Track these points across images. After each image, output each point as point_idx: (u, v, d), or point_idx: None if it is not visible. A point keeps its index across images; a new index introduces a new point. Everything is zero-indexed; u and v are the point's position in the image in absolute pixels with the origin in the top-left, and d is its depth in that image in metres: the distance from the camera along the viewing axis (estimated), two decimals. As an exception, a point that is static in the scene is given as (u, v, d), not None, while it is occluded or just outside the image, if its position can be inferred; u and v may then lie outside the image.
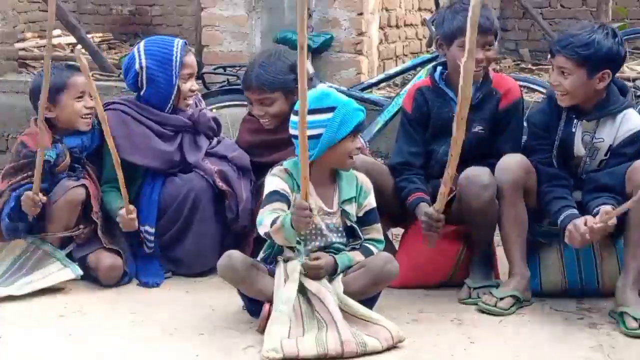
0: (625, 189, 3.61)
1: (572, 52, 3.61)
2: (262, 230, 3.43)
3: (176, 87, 4.17)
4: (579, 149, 3.77)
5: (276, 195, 3.47)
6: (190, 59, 4.23)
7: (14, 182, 4.05)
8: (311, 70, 4.25)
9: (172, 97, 4.19)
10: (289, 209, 3.43)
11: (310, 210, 3.30)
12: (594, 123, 3.73)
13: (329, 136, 3.45)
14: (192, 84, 4.24)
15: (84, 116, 4.15)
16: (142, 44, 4.24)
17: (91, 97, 4.14)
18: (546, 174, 3.76)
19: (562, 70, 3.65)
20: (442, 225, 3.64)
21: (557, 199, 3.69)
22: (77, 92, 4.14)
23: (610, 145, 3.73)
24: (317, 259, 3.43)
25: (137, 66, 4.16)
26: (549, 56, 3.73)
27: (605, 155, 3.75)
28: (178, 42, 4.21)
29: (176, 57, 4.15)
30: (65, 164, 4.07)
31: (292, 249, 3.50)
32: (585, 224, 3.48)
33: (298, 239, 3.43)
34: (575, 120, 3.75)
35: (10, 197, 3.99)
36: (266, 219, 3.40)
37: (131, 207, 4.01)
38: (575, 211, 3.63)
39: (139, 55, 4.17)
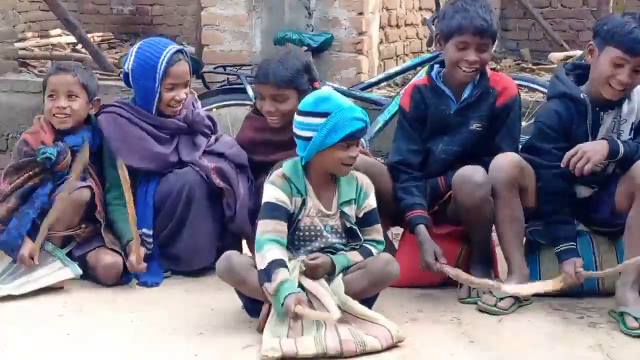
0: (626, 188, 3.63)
1: None
2: (257, 262, 3.41)
3: (157, 94, 4.14)
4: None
5: (274, 211, 3.44)
6: (178, 69, 4.14)
7: (16, 182, 4.06)
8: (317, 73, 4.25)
9: (154, 103, 4.17)
10: (287, 223, 3.43)
11: (295, 315, 3.24)
12: (617, 109, 3.73)
13: (318, 141, 3.43)
14: (178, 94, 4.16)
15: (55, 115, 4.16)
16: (137, 44, 4.23)
17: (70, 96, 4.14)
18: (553, 190, 3.72)
19: (639, 67, 3.62)
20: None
21: (561, 224, 3.71)
22: (49, 90, 4.18)
23: (633, 123, 3.75)
24: (314, 258, 3.43)
25: (126, 67, 4.17)
26: (622, 54, 3.58)
27: (630, 133, 3.75)
28: (168, 51, 4.13)
29: (160, 66, 4.10)
30: (67, 161, 4.08)
31: (290, 250, 3.49)
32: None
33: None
34: (601, 113, 3.73)
35: (26, 217, 3.98)
36: (263, 253, 3.37)
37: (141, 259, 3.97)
38: (575, 245, 3.68)
39: (130, 57, 4.17)
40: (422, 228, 3.77)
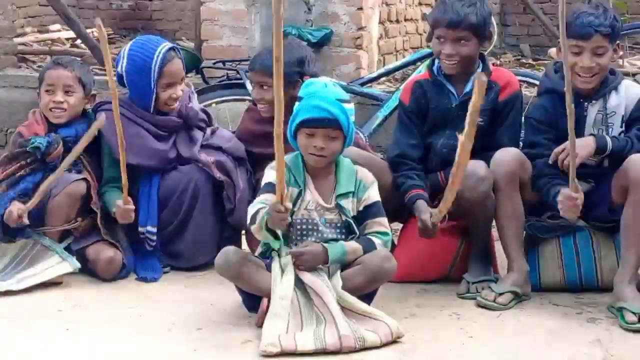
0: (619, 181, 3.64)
1: (608, 29, 3.65)
2: (247, 223, 3.46)
3: (154, 94, 4.13)
4: (589, 131, 3.77)
5: (270, 187, 3.45)
6: (173, 67, 4.13)
7: (8, 171, 4.07)
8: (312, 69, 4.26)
9: (152, 102, 4.16)
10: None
11: (287, 210, 3.26)
12: (602, 101, 3.76)
13: (289, 126, 3.49)
14: (174, 92, 4.15)
15: (51, 109, 4.17)
16: (128, 45, 4.20)
17: (66, 92, 4.16)
18: (545, 174, 3.73)
19: (598, 50, 3.66)
20: (437, 231, 3.66)
21: (554, 185, 3.69)
22: (46, 85, 4.19)
23: (623, 116, 3.76)
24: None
25: (119, 69, 4.15)
26: (575, 41, 3.65)
27: (621, 126, 3.76)
28: (161, 50, 4.11)
29: (154, 66, 4.08)
30: (58, 152, 4.08)
31: (288, 244, 3.49)
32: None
33: (281, 237, 3.42)
34: (585, 104, 3.76)
35: (5, 197, 3.99)
36: (250, 211, 3.43)
37: (129, 199, 3.98)
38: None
39: (123, 58, 4.15)
40: (420, 201, 3.76)
